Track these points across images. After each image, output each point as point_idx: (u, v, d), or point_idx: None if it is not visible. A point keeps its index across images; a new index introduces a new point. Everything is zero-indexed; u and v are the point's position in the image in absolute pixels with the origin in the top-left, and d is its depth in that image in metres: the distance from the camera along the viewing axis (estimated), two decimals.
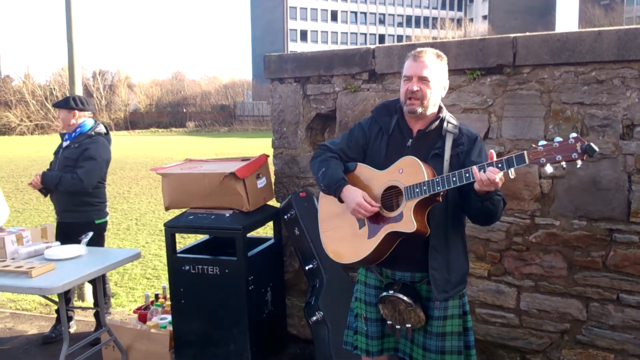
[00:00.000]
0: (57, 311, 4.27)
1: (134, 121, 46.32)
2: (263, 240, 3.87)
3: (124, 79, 50.14)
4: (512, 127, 3.12)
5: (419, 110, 2.27)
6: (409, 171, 2.19)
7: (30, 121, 39.90)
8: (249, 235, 3.48)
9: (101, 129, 4.23)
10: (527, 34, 3.07)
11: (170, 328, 3.64)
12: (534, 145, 1.96)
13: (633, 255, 2.90)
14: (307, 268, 3.53)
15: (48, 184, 4.00)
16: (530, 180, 3.10)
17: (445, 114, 2.35)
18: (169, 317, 3.72)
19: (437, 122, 2.32)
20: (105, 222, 4.25)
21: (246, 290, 3.35)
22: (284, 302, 3.93)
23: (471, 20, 73.93)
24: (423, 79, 2.25)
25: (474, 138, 2.32)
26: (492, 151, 2.07)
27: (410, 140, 2.34)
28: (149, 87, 51.84)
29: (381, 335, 2.45)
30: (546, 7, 72.13)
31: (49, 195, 4.16)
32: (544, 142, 1.94)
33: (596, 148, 1.86)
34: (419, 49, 2.33)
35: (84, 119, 4.16)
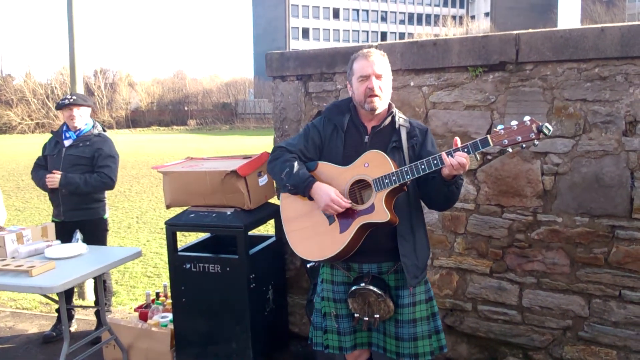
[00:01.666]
0: (57, 310, 4.27)
1: (136, 119, 46.37)
2: (264, 238, 3.86)
3: (125, 77, 50.15)
4: None
5: (380, 105, 2.38)
6: (375, 164, 2.28)
7: (32, 120, 39.98)
8: (250, 233, 3.48)
9: (99, 127, 4.26)
10: (530, 30, 3.06)
11: (171, 326, 3.64)
12: (495, 130, 2.13)
13: (635, 252, 2.89)
14: (308, 266, 3.51)
15: (70, 186, 3.96)
16: (532, 177, 3.09)
17: (395, 109, 2.46)
18: (170, 316, 3.72)
19: (389, 118, 2.44)
20: (108, 217, 4.29)
21: (248, 288, 3.35)
22: (286, 300, 3.93)
23: (473, 17, 73.79)
24: (379, 76, 2.37)
25: (424, 130, 2.47)
26: (457, 138, 2.22)
27: (367, 136, 2.43)
28: (150, 85, 51.86)
29: (353, 330, 2.51)
30: (548, 4, 71.98)
31: (49, 197, 4.16)
32: (503, 126, 2.12)
33: (550, 127, 2.06)
34: (365, 50, 2.45)
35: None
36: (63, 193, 4.04)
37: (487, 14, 73.90)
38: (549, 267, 3.11)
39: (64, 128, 4.19)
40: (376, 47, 2.67)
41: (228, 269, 3.36)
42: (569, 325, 3.11)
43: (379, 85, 2.35)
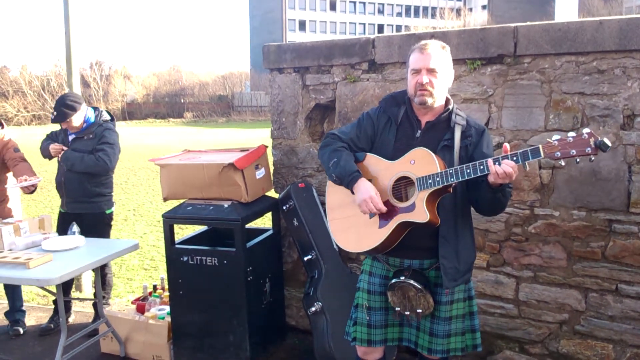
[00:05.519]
0: (55, 302, 4.27)
1: (131, 112, 46.20)
2: (262, 231, 3.86)
3: (121, 69, 49.94)
4: (513, 117, 3.10)
5: (430, 101, 2.29)
6: (421, 162, 2.22)
7: (28, 112, 39.81)
8: (247, 226, 3.47)
9: (106, 116, 4.20)
10: (528, 23, 3.05)
11: (168, 319, 3.64)
12: (548, 140, 2.02)
13: (632, 246, 2.89)
14: (305, 259, 3.52)
15: (68, 161, 3.93)
16: (529, 170, 3.08)
17: (453, 105, 2.38)
18: (167, 308, 3.72)
19: (445, 114, 2.35)
20: (112, 212, 4.26)
21: (245, 281, 3.35)
22: (283, 293, 3.93)
23: (470, 9, 73.63)
24: (431, 71, 2.28)
25: (481, 130, 2.37)
26: (507, 144, 2.12)
27: (419, 131, 2.36)
28: (146, 78, 51.65)
29: (385, 325, 2.46)
30: None
31: (56, 186, 4.14)
32: (558, 137, 2.00)
33: (609, 143, 1.94)
34: (423, 42, 2.34)
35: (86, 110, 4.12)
36: (66, 184, 4.02)
37: (484, 7, 73.72)
38: (546, 260, 3.12)
39: None
40: (432, 36, 2.55)
41: (225, 261, 3.36)
42: (565, 319, 3.12)
43: (429, 79, 2.26)
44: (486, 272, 3.29)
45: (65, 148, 4.03)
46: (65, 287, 4.13)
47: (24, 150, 4.21)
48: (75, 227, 3.70)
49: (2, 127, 4.20)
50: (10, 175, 4.16)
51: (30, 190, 3.93)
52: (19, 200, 4.36)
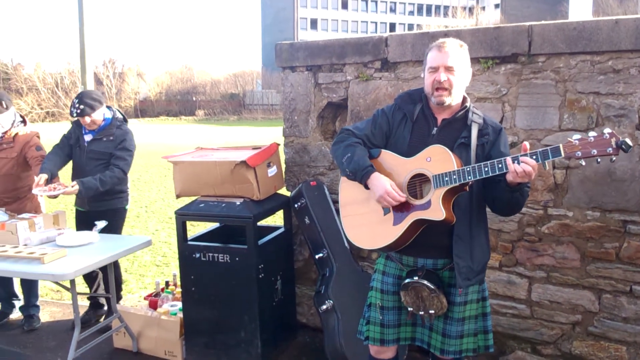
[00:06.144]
0: (89, 298, 4.35)
1: (144, 109, 46.42)
2: (273, 228, 3.87)
3: (134, 67, 50.22)
4: (526, 116, 3.09)
5: (447, 100, 2.28)
6: (438, 160, 2.21)
7: (42, 109, 40.12)
8: (259, 223, 3.48)
9: (119, 115, 4.20)
10: (543, 22, 3.03)
11: (180, 315, 3.66)
12: (569, 139, 2.00)
13: None
14: (317, 257, 3.53)
15: (90, 191, 3.79)
16: (543, 170, 3.06)
17: (470, 103, 2.37)
18: (180, 304, 3.74)
19: (462, 112, 2.34)
20: (127, 208, 4.30)
21: (256, 279, 3.36)
22: (294, 290, 3.94)
23: (483, 8, 73.17)
24: (449, 69, 2.26)
25: (498, 129, 2.35)
26: (526, 143, 2.10)
27: (435, 128, 2.34)
28: (159, 76, 51.94)
29: (398, 324, 2.46)
30: None
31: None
32: (579, 136, 1.98)
33: (631, 143, 1.92)
34: (441, 40, 2.32)
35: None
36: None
37: (497, 6, 73.23)
38: (559, 261, 3.10)
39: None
40: (445, 34, 2.54)
41: (237, 258, 3.37)
42: (578, 320, 3.10)
43: (447, 78, 2.25)
44: (499, 272, 3.28)
45: (73, 186, 3.79)
46: (94, 283, 4.24)
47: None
48: (103, 223, 3.71)
49: (25, 124, 4.23)
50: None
51: (54, 195, 3.92)
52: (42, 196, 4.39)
